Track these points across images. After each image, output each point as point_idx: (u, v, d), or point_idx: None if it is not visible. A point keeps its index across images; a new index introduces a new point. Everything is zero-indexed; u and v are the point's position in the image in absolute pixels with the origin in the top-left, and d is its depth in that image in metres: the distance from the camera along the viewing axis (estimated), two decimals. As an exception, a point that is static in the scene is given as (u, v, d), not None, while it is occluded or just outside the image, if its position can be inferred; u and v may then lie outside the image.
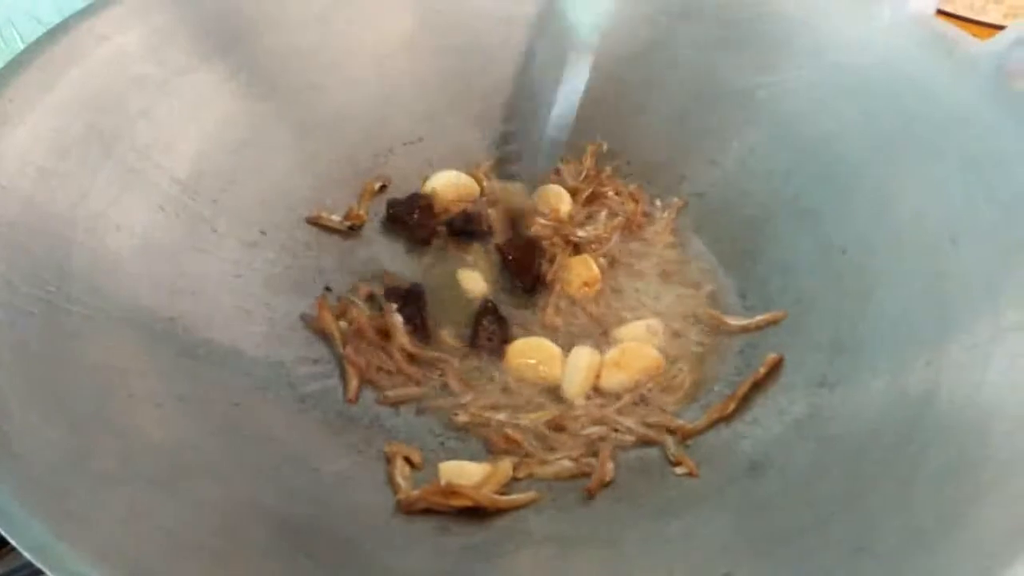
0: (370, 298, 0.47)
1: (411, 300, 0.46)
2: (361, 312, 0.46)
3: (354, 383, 0.43)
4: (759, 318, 0.46)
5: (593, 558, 0.36)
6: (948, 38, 0.46)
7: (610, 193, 0.53)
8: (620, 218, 0.52)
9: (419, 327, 0.45)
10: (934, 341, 0.39)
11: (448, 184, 0.52)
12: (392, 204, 0.51)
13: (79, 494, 0.29)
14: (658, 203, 0.53)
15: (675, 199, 0.53)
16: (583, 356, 0.44)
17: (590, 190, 0.53)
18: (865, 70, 0.48)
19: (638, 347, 0.45)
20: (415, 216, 0.50)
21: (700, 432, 0.42)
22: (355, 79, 0.51)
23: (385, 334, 0.45)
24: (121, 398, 0.35)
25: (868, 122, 0.47)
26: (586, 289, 0.48)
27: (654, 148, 0.54)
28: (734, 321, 0.46)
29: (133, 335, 0.38)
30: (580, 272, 0.48)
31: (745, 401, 0.42)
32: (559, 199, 0.52)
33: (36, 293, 0.35)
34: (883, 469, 0.35)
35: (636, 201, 0.52)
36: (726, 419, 0.42)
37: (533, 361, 0.44)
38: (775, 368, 0.43)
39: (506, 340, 0.45)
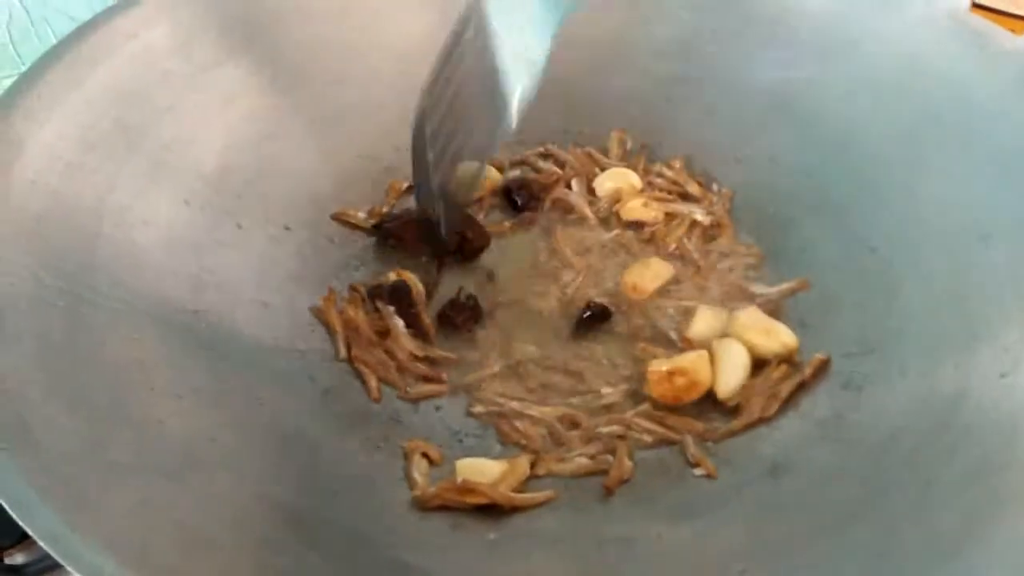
0: (369, 295, 0.46)
1: (396, 297, 0.45)
2: (357, 312, 0.45)
3: (373, 382, 0.43)
4: (784, 286, 0.46)
5: (609, 558, 0.36)
6: (981, 32, 0.45)
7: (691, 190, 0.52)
8: (703, 220, 0.50)
9: (418, 327, 0.45)
10: (963, 343, 0.38)
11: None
12: (384, 219, 0.49)
13: (94, 484, 0.30)
14: (715, 187, 0.52)
15: (724, 188, 0.52)
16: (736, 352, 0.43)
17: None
18: (895, 65, 0.47)
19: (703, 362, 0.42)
20: (407, 235, 0.49)
21: (736, 434, 0.41)
22: (378, 74, 0.51)
23: (383, 334, 0.44)
24: (141, 390, 0.35)
25: (897, 118, 0.46)
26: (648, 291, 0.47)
27: (679, 144, 0.53)
28: (757, 289, 0.46)
29: (156, 328, 0.38)
30: (658, 272, 0.47)
31: (785, 403, 0.41)
32: (624, 177, 0.52)
33: (61, 285, 0.36)
34: (906, 473, 0.34)
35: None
36: (766, 421, 0.41)
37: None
38: (821, 369, 0.42)
39: (478, 320, 0.45)
